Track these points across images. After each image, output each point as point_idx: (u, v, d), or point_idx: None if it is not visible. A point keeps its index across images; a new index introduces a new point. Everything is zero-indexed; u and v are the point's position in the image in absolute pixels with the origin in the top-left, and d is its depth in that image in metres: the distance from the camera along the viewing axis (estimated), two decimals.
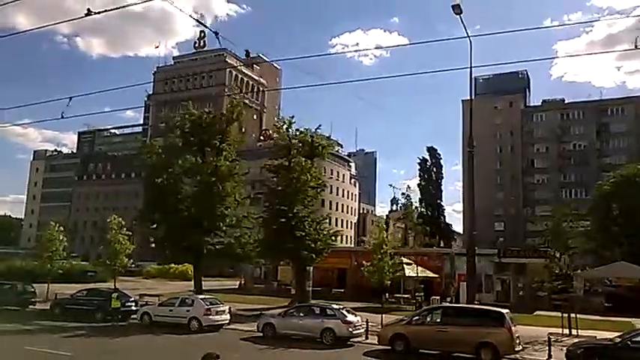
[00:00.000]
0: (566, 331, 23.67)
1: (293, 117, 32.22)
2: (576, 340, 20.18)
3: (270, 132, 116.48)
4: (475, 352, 17.11)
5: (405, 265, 35.64)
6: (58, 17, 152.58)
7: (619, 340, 16.26)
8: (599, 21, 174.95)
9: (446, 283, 37.44)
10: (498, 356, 16.91)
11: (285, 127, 31.80)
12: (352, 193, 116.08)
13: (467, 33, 21.64)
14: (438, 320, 18.40)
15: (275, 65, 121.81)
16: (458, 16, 20.86)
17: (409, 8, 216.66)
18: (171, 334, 21.01)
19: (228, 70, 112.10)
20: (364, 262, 26.45)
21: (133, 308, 24.98)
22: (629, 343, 15.90)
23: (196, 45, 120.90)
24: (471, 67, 22.80)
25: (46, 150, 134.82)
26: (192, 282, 56.11)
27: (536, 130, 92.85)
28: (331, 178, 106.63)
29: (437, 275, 37.58)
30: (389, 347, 18.59)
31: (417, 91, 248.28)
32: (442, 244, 79.53)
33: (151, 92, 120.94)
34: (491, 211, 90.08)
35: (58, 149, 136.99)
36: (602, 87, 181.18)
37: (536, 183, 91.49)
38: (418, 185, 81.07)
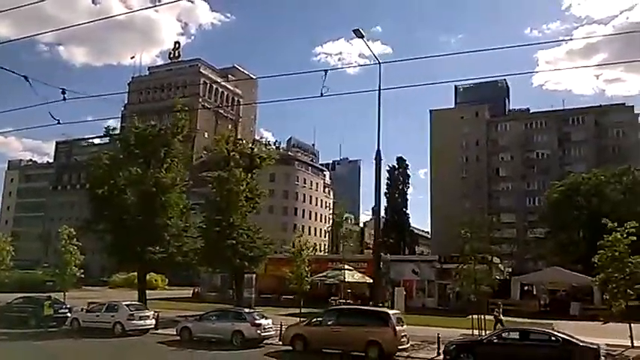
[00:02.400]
0: (478, 332, 25.23)
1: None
2: None
3: (244, 141, 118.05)
4: (364, 350, 18.60)
5: (346, 272, 37.29)
6: (38, 25, 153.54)
7: (485, 336, 17.91)
8: (574, 36, 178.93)
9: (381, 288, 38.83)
10: (384, 354, 18.41)
11: (224, 140, 33.20)
12: (326, 202, 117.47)
13: (377, 59, 23.27)
14: (334, 321, 19.89)
15: (251, 75, 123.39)
16: (362, 40, 22.43)
17: (392, 16, 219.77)
18: (94, 338, 22.31)
19: (202, 80, 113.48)
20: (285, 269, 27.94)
21: (68, 315, 26.12)
22: (492, 339, 17.55)
23: (171, 55, 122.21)
24: (379, 90, 23.93)
25: (20, 160, 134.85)
26: (155, 290, 57.48)
27: (501, 139, 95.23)
28: (304, 187, 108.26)
29: (372, 280, 38.97)
30: (290, 347, 20.05)
31: (401, 100, 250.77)
32: (407, 250, 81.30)
33: (127, 102, 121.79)
34: (458, 219, 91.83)
35: (33, 159, 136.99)
36: (582, 94, 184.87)
37: (501, 191, 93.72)
38: (385, 194, 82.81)
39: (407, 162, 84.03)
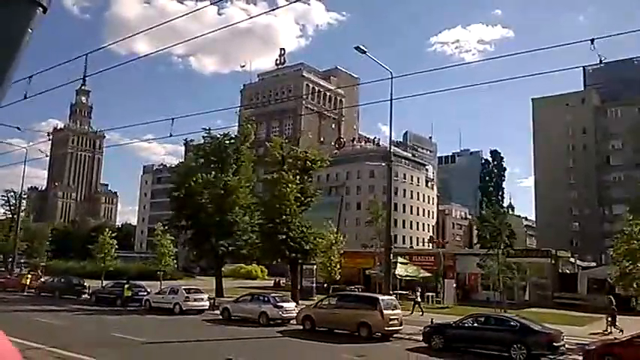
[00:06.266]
0: None
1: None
2: None
3: (344, 140, 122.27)
4: (356, 329, 21.38)
5: (399, 264, 39.44)
6: (170, 39, 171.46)
7: (456, 320, 19.81)
8: None
9: (437, 280, 40.33)
10: (371, 333, 21.03)
11: (278, 146, 37.15)
12: (429, 197, 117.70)
13: (388, 70, 25.33)
14: (335, 304, 22.86)
15: (352, 74, 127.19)
16: (366, 55, 24.93)
17: None
18: (156, 315, 27.41)
19: (305, 83, 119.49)
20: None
21: (145, 297, 31.72)
22: (460, 323, 19.42)
23: (277, 62, 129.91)
24: (391, 100, 26.13)
25: (153, 164, 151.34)
26: (255, 280, 63.43)
27: (612, 126, 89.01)
28: (404, 182, 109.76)
29: (429, 274, 40.61)
30: (301, 326, 23.36)
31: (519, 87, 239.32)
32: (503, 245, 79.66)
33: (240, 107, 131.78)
34: (565, 211, 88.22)
35: (164, 163, 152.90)
36: None
37: (613, 181, 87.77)
38: (479, 187, 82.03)
39: (501, 154, 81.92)
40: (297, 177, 35.34)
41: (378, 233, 31.04)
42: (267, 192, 36.12)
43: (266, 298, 25.53)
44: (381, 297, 22.02)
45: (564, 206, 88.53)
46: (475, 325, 19.19)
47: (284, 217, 33.81)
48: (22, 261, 63.18)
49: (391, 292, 38.18)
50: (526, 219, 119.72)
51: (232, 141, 40.30)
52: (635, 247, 22.85)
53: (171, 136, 20.53)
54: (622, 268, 23.40)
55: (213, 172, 38.63)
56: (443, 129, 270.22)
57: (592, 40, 13.61)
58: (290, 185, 33.04)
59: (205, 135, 40.43)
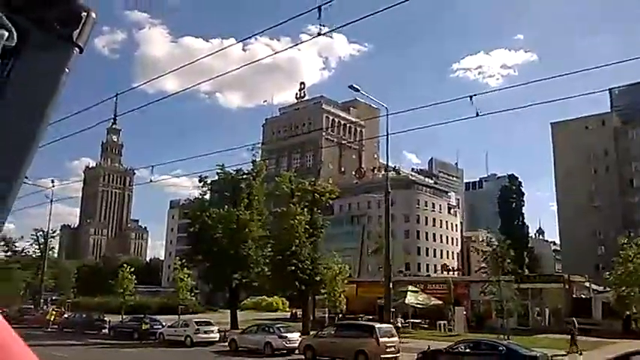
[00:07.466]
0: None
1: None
2: None
3: (365, 169, 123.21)
4: (354, 357, 22.04)
5: (409, 293, 39.85)
6: (197, 76, 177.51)
7: (448, 346, 20.33)
8: None
9: (446, 308, 40.47)
10: None
11: (287, 179, 38.41)
12: (453, 224, 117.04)
13: (385, 107, 26.63)
14: (334, 333, 23.58)
15: (372, 105, 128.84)
16: (362, 93, 26.23)
17: (533, 23, 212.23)
18: (168, 348, 28.50)
19: (325, 115, 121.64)
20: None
21: (160, 331, 32.85)
22: (452, 349, 19.96)
23: (297, 95, 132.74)
24: (388, 135, 27.22)
25: (179, 199, 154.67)
26: (276, 312, 64.15)
27: (633, 148, 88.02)
28: (426, 209, 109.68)
29: (440, 302, 40.79)
30: (303, 356, 24.11)
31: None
32: (527, 270, 78.75)
33: (262, 142, 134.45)
34: (589, 235, 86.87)
35: (190, 197, 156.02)
36: None
37: (637, 203, 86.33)
38: (499, 213, 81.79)
39: (519, 179, 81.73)
40: (306, 209, 36.41)
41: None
42: (277, 225, 37.21)
43: (271, 329, 26.38)
44: (377, 325, 22.67)
45: (589, 230, 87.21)
46: (467, 350, 19.70)
47: (293, 248, 34.78)
48: (53, 298, 65.32)
49: (403, 321, 38.93)
50: (554, 243, 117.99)
51: (245, 176, 41.72)
52: (631, 270, 23.11)
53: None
54: (619, 292, 23.61)
55: (226, 207, 39.96)
56: (470, 154, 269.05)
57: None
58: (298, 218, 34.08)
59: (219, 172, 41.91)
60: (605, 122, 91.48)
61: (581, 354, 23.98)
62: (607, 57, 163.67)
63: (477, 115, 16.47)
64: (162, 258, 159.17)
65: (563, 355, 24.00)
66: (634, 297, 23.24)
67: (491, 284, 31.44)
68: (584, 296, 42.92)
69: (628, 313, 25.11)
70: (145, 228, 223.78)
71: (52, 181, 48.82)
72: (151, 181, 33.08)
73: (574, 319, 27.89)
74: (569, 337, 25.39)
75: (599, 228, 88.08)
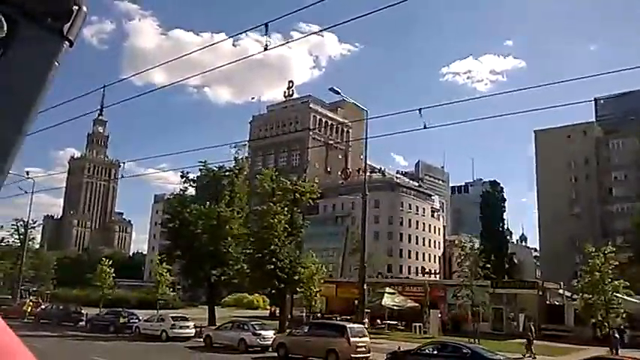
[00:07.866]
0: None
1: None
2: None
3: (350, 170, 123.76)
4: (325, 356, 22.44)
5: (386, 294, 40.38)
6: (187, 70, 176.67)
7: (414, 349, 20.83)
8: None
9: (422, 310, 41.03)
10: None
11: (268, 177, 38.66)
12: (436, 227, 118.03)
13: (366, 110, 27.11)
14: (307, 332, 23.97)
15: (359, 105, 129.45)
16: (342, 96, 26.56)
17: (523, 29, 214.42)
18: (142, 342, 28.66)
19: (312, 115, 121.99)
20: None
21: (136, 325, 32.99)
22: (420, 350, 20.45)
23: (286, 94, 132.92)
24: (366, 138, 27.63)
25: (164, 193, 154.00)
26: (257, 310, 64.32)
27: (615, 157, 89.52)
28: (409, 212, 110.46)
29: (416, 304, 41.37)
30: (276, 353, 24.45)
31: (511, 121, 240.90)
32: (507, 275, 79.81)
33: (249, 139, 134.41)
34: (568, 242, 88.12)
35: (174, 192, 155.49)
36: None
37: (616, 212, 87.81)
38: (480, 218, 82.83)
39: (501, 185, 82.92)
40: (287, 208, 36.71)
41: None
42: (257, 223, 37.46)
43: (245, 326, 26.69)
44: (348, 325, 23.09)
45: (567, 237, 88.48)
46: (434, 352, 20.19)
47: (272, 247, 35.08)
48: (33, 289, 64.86)
49: (379, 322, 39.42)
50: (535, 250, 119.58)
51: (227, 173, 41.91)
52: (597, 279, 23.79)
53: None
54: (585, 299, 24.28)
55: (207, 203, 40.14)
56: (458, 158, 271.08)
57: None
58: (278, 216, 34.38)
59: (201, 168, 42.06)
60: (586, 132, 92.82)
61: (534, 358, 25.33)
62: (596, 66, 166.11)
63: (425, 127, 17.81)
64: (145, 252, 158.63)
65: (519, 359, 24.95)
66: (599, 305, 23.91)
67: (464, 288, 31.98)
68: (557, 303, 43.72)
69: (593, 320, 25.72)
70: (130, 221, 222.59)
71: (27, 173, 46.08)
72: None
73: (531, 324, 29.63)
74: (526, 342, 26.58)
75: (577, 236, 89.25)
